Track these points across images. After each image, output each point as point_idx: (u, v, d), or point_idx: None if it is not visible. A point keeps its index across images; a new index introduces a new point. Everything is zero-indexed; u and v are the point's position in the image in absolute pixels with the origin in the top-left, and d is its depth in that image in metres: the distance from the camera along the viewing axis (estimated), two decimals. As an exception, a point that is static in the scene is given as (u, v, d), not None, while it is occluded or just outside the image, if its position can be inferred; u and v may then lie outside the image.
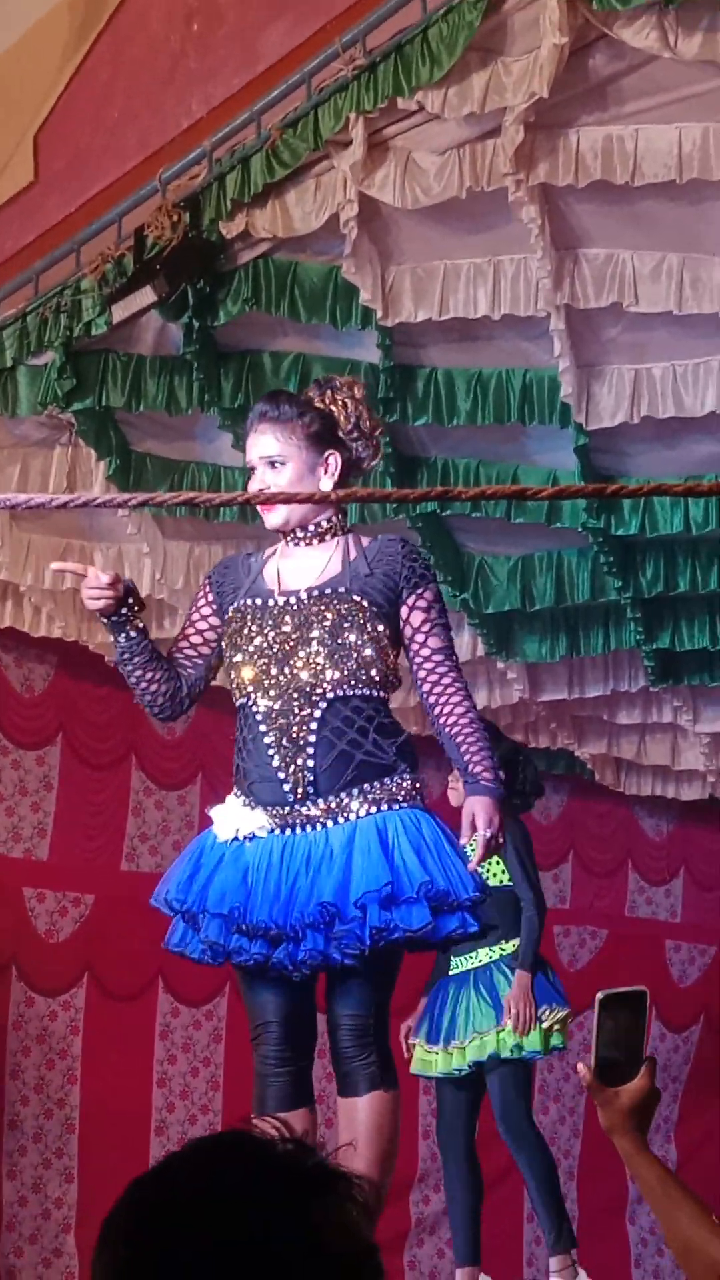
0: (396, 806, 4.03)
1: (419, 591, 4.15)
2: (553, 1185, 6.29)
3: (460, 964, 6.43)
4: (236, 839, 4.09)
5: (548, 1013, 6.28)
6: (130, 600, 4.12)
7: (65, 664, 8.86)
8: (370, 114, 5.67)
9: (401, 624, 4.15)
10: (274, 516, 4.22)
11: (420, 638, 4.14)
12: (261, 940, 3.97)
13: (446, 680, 4.14)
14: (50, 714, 8.93)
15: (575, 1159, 10.19)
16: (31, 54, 7.37)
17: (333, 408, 4.27)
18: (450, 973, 6.45)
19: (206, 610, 4.29)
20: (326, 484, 4.21)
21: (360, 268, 6.10)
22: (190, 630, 4.31)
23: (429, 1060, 6.42)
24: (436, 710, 4.13)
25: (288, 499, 4.01)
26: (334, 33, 5.89)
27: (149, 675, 4.22)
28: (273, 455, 4.20)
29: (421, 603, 4.15)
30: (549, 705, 8.99)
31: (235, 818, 4.09)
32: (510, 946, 6.35)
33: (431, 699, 4.13)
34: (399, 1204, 9.02)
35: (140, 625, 4.18)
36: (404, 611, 4.15)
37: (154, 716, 4.36)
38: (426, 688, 4.14)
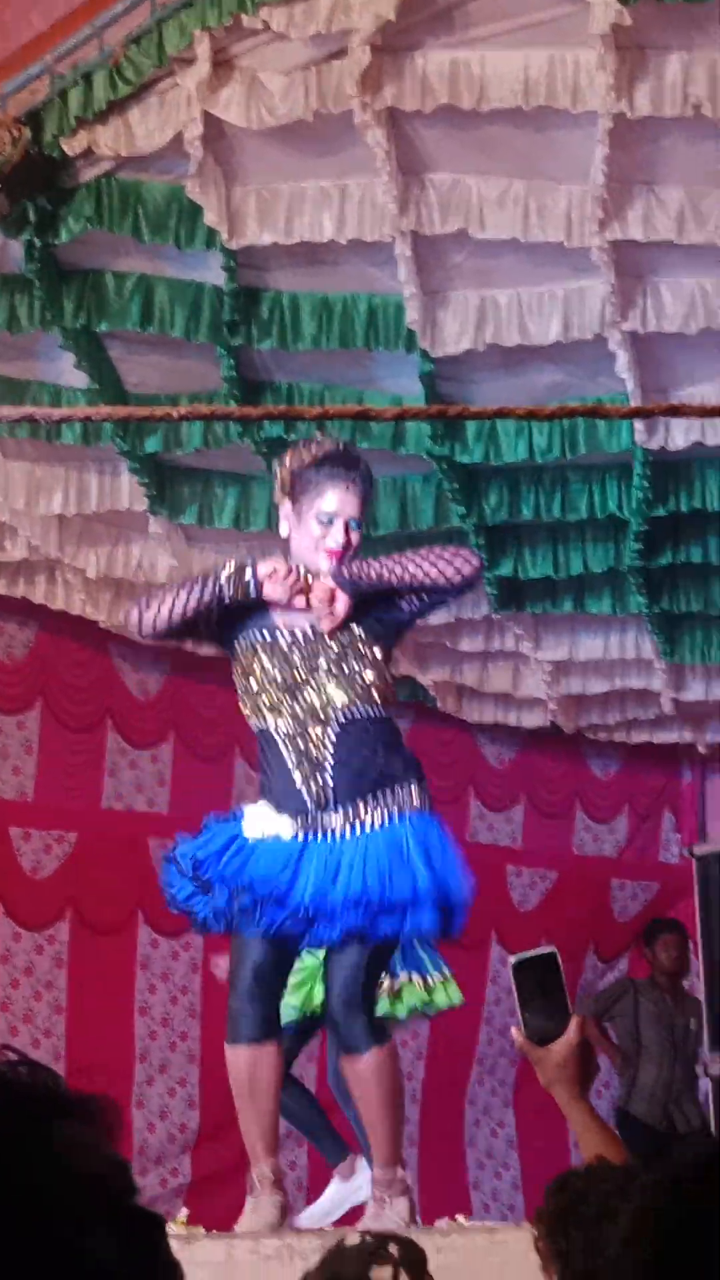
0: (407, 813, 4.58)
1: None
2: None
3: None
4: (263, 837, 4.55)
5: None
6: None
7: (46, 629, 8.98)
8: (215, 31, 5.61)
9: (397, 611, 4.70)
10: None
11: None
12: (299, 919, 4.48)
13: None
14: (30, 679, 9.07)
15: (512, 1128, 10.44)
16: None
17: None
18: None
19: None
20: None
21: (204, 188, 6.03)
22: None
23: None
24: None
25: (108, 415, 4.15)
26: (180, -53, 5.80)
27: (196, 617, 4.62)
28: (357, 518, 4.66)
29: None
30: (393, 632, 9.00)
31: (264, 819, 4.58)
32: None
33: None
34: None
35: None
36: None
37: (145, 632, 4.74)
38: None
